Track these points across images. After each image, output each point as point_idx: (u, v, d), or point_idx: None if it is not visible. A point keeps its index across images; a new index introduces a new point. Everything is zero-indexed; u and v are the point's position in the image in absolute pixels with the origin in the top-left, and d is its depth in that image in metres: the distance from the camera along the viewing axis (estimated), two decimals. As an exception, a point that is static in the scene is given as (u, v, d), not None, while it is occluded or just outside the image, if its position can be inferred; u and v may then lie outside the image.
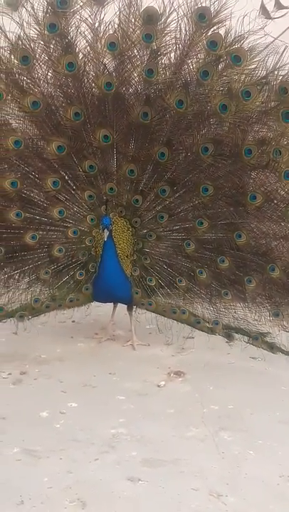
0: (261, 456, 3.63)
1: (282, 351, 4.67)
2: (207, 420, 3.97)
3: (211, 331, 4.78)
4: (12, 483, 3.29)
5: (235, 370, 4.66)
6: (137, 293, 4.84)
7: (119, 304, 5.13)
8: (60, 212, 4.70)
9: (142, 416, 4.01)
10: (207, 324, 4.77)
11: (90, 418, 3.94)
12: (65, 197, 4.74)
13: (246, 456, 3.62)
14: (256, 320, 4.70)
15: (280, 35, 4.43)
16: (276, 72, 4.31)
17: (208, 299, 4.78)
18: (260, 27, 4.27)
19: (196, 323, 4.81)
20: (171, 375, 4.56)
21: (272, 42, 4.32)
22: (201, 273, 4.72)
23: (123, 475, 3.40)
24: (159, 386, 4.42)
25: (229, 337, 4.78)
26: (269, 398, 4.27)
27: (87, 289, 4.82)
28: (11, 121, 4.59)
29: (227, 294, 4.74)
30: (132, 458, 3.57)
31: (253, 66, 4.32)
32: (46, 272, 4.76)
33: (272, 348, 4.68)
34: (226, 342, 4.87)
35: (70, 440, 3.70)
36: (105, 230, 4.54)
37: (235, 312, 4.74)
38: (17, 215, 4.61)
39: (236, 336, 4.75)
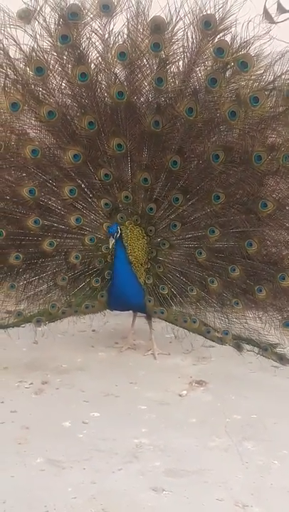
0: (286, 465, 3.60)
1: None
2: (230, 430, 3.95)
3: (221, 341, 4.75)
4: (37, 493, 3.29)
5: (257, 379, 4.64)
6: (149, 301, 4.84)
7: (139, 313, 5.13)
8: (77, 219, 4.75)
9: (164, 426, 4.00)
10: (217, 334, 4.74)
11: (113, 428, 3.94)
12: (81, 205, 4.79)
13: (271, 466, 3.60)
14: (266, 330, 4.65)
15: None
16: (283, 77, 4.29)
17: (220, 308, 4.77)
18: (264, 32, 4.26)
19: (206, 332, 4.79)
20: (193, 384, 4.55)
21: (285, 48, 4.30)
22: (213, 282, 4.71)
23: (147, 485, 3.39)
24: (180, 395, 4.41)
25: (239, 347, 4.71)
26: None
27: (102, 296, 4.84)
28: (28, 130, 4.65)
29: (238, 303, 4.71)
30: (155, 468, 3.56)
31: (260, 71, 4.32)
32: (63, 279, 4.80)
33: (282, 359, 4.61)
34: (248, 351, 4.78)
35: (93, 450, 3.70)
36: (110, 238, 4.57)
37: (246, 322, 4.70)
38: (35, 222, 4.67)
39: (247, 346, 4.70)
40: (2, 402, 4.22)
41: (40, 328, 4.88)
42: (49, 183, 4.72)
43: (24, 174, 4.71)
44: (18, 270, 4.79)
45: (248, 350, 4.73)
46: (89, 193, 4.79)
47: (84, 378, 4.59)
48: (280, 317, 4.64)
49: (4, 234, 4.66)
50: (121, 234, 4.66)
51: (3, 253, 4.71)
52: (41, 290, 4.84)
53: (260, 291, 4.63)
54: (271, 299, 4.64)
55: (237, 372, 4.71)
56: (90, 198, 4.80)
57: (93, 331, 5.36)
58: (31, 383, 4.49)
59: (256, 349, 4.66)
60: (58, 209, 4.76)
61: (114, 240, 4.57)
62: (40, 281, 4.84)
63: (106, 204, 4.81)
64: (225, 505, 3.25)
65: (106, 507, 3.20)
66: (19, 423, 3.96)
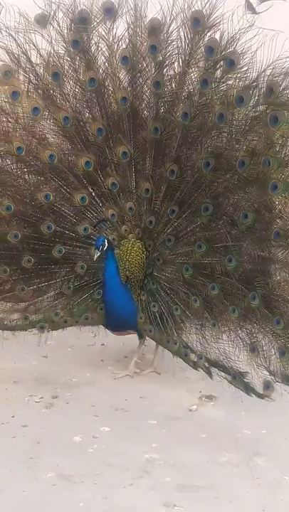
0: (297, 481, 3.61)
1: (255, 393, 4.30)
2: (240, 445, 3.96)
3: (194, 365, 4.59)
4: (48, 508, 3.31)
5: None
6: (141, 318, 4.73)
7: None
8: (84, 229, 4.74)
9: (174, 441, 4.01)
10: (192, 358, 4.58)
11: (123, 443, 3.95)
12: (91, 214, 4.78)
13: (281, 482, 3.61)
14: (237, 356, 4.43)
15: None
16: (264, 72, 4.15)
17: (199, 330, 4.59)
18: (248, 24, 4.17)
19: (184, 355, 4.62)
20: (203, 399, 4.55)
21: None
22: (195, 301, 4.56)
23: (158, 500, 3.40)
24: (190, 410, 4.42)
25: (209, 374, 4.51)
26: None
27: (101, 309, 4.78)
28: (47, 135, 4.71)
29: (215, 325, 4.54)
30: (166, 483, 3.57)
31: (244, 68, 4.23)
32: (69, 287, 4.78)
33: (248, 388, 4.34)
34: (211, 378, 4.56)
35: (104, 465, 3.71)
36: (96, 251, 4.47)
37: (222, 346, 4.48)
38: (48, 227, 4.68)
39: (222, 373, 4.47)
40: (13, 417, 4.24)
41: (50, 342, 4.89)
42: (63, 188, 4.74)
43: (42, 178, 4.74)
44: (30, 274, 4.78)
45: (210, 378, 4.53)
46: (99, 201, 4.79)
47: (94, 392, 4.60)
48: (248, 342, 4.43)
49: (20, 236, 4.67)
50: (111, 247, 4.56)
51: (17, 255, 4.72)
52: (48, 297, 4.83)
53: (234, 311, 4.43)
54: (242, 321, 4.44)
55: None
56: (100, 207, 4.79)
57: (102, 344, 5.37)
58: (41, 397, 4.51)
59: (228, 377, 4.43)
60: (70, 216, 4.76)
61: (99, 253, 4.47)
62: (49, 287, 4.83)
63: (113, 215, 4.78)
64: (236, 521, 3.26)
65: (118, 522, 3.22)
66: (30, 437, 3.98)
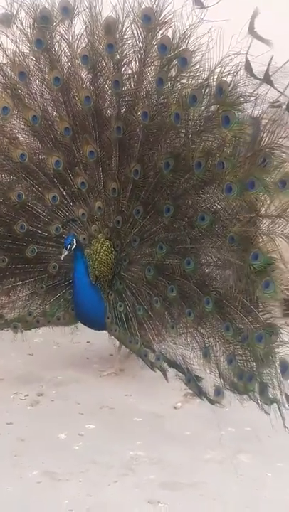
0: (281, 478, 3.64)
1: (207, 398, 4.24)
2: (225, 442, 3.98)
3: (152, 366, 4.56)
4: (33, 505, 3.32)
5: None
6: (108, 318, 4.69)
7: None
8: (56, 229, 4.70)
9: (159, 438, 4.03)
10: (151, 358, 4.55)
11: (108, 440, 3.96)
12: (62, 213, 4.75)
13: (265, 479, 3.63)
14: (193, 359, 4.34)
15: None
16: (217, 71, 4.07)
17: (160, 331, 4.56)
18: (197, 20, 4.12)
19: (143, 355, 4.60)
20: (188, 396, 4.56)
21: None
22: (156, 302, 4.53)
23: (143, 498, 3.42)
24: (175, 408, 4.44)
25: (165, 376, 4.50)
26: (286, 420, 4.25)
27: (72, 310, 4.75)
28: (17, 135, 4.69)
29: (173, 327, 4.50)
30: (150, 481, 3.59)
31: (196, 66, 4.18)
32: (42, 287, 4.76)
33: (200, 392, 4.30)
34: (167, 380, 4.54)
35: (89, 462, 3.72)
36: (63, 250, 4.42)
37: (181, 348, 4.43)
38: (21, 227, 4.64)
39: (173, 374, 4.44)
40: (-2, 414, 4.24)
41: (35, 340, 4.89)
42: (35, 188, 4.70)
43: (14, 178, 4.71)
44: (5, 273, 4.76)
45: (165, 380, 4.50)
46: (70, 201, 4.76)
47: (79, 390, 4.61)
48: (202, 346, 4.35)
49: None
50: (79, 246, 4.52)
51: None
52: (23, 296, 4.81)
53: (190, 314, 4.39)
54: (197, 325, 4.38)
55: (231, 384, 4.73)
56: (71, 206, 4.75)
57: (88, 342, 5.37)
58: (27, 395, 4.51)
59: (184, 379, 4.39)
60: (43, 215, 4.74)
61: (67, 252, 4.42)
62: (24, 287, 4.80)
63: (83, 214, 4.74)
64: (220, 518, 3.28)
65: (102, 519, 3.23)
66: (15, 435, 3.99)
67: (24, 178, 4.69)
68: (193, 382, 4.33)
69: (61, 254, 4.46)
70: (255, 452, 3.88)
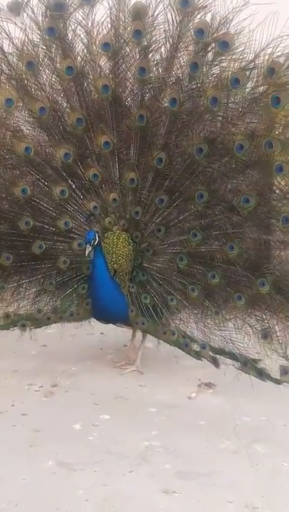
0: (296, 468, 3.63)
1: (271, 378, 4.36)
2: (240, 432, 3.97)
3: (198, 355, 4.56)
4: (48, 495, 3.31)
5: (266, 381, 4.63)
6: (132, 311, 4.64)
7: None
8: (65, 223, 4.62)
9: (174, 428, 4.02)
10: (195, 348, 4.55)
11: (123, 430, 3.96)
12: (72, 207, 4.67)
13: (280, 468, 3.62)
14: (246, 343, 4.43)
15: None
16: (263, 52, 4.08)
17: (201, 318, 4.55)
18: (243, 3, 4.08)
19: (184, 345, 4.58)
20: (202, 386, 4.57)
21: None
22: (193, 290, 4.50)
23: (158, 487, 3.41)
24: (190, 398, 4.44)
25: (215, 363, 4.52)
26: None
27: (87, 304, 4.69)
28: (22, 127, 4.61)
29: (218, 313, 4.50)
30: (165, 470, 3.58)
31: (240, 49, 4.15)
32: (51, 283, 4.70)
33: (262, 374, 4.39)
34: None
35: (104, 453, 3.72)
36: (87, 246, 4.35)
37: (227, 334, 4.47)
38: (26, 223, 4.58)
39: (228, 361, 4.48)
40: (12, 406, 4.26)
41: (49, 331, 4.89)
42: (41, 182, 4.63)
43: (18, 172, 4.63)
44: (10, 272, 4.70)
45: (228, 365, 4.51)
46: (80, 194, 4.67)
47: (93, 381, 4.62)
48: (259, 328, 4.42)
49: None
50: (100, 241, 4.44)
51: None
52: (30, 294, 4.74)
53: (240, 298, 4.39)
54: (250, 308, 4.41)
55: (245, 374, 4.69)
56: (81, 199, 4.67)
57: (101, 333, 5.38)
58: (41, 386, 4.52)
59: (237, 364, 4.45)
60: (50, 210, 4.65)
61: (90, 248, 4.36)
62: (30, 284, 4.74)
63: (95, 207, 4.66)
64: (235, 508, 3.26)
65: (117, 509, 3.22)
66: (30, 426, 4.00)
67: (29, 172, 4.60)
68: (250, 365, 4.38)
69: (85, 251, 4.38)
70: (271, 442, 3.87)
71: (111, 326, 5.15)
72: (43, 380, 4.60)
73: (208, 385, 4.56)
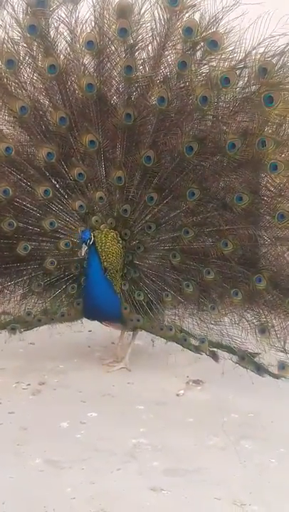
0: (283, 464, 3.63)
1: (269, 373, 4.38)
2: (228, 429, 3.97)
3: (196, 350, 4.56)
4: (36, 493, 3.30)
5: (254, 378, 4.60)
6: (126, 308, 4.61)
7: None
8: (51, 223, 4.56)
9: (162, 425, 4.01)
10: (193, 342, 4.56)
11: (111, 428, 3.95)
12: (57, 207, 4.61)
13: (268, 465, 3.62)
14: (244, 338, 4.44)
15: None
16: (254, 52, 4.07)
17: (197, 314, 4.55)
18: (233, 3, 4.07)
19: (183, 340, 4.58)
20: (190, 383, 4.57)
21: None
22: (188, 286, 4.51)
23: (146, 485, 3.41)
24: (178, 395, 4.43)
25: (214, 356, 4.52)
26: (289, 406, 4.27)
27: (78, 304, 4.65)
28: (1, 127, 4.52)
29: (214, 308, 4.50)
30: (153, 468, 3.58)
31: (230, 49, 4.13)
32: (39, 285, 4.64)
33: (259, 369, 4.40)
34: (217, 361, 4.61)
35: (92, 450, 3.71)
36: (83, 245, 4.33)
37: (224, 329, 4.48)
38: (9, 224, 4.51)
39: (225, 355, 4.49)
40: (0, 404, 4.22)
41: (37, 329, 4.85)
42: (23, 182, 4.56)
43: None
44: None
45: (226, 359, 4.52)
46: (64, 193, 4.61)
47: (81, 378, 4.60)
48: (256, 323, 4.43)
49: None
50: (94, 240, 4.43)
51: None
52: (16, 296, 4.68)
53: (236, 294, 4.41)
54: (247, 303, 4.42)
55: (234, 371, 4.69)
56: (65, 199, 4.61)
57: (89, 331, 5.36)
58: (29, 384, 4.50)
59: (234, 358, 4.46)
60: (34, 210, 4.59)
61: (87, 247, 4.35)
62: (16, 286, 4.68)
63: (81, 206, 4.61)
64: (223, 504, 3.27)
65: (105, 507, 3.21)
66: (17, 424, 3.98)
67: (11, 172, 4.53)
68: (248, 359, 4.39)
69: (81, 251, 4.37)
70: (258, 438, 3.87)
71: (99, 323, 5.16)
72: (31, 378, 4.58)
73: (197, 382, 4.57)
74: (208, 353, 4.55)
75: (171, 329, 4.60)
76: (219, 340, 4.50)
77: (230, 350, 4.47)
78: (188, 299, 4.56)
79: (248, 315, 4.43)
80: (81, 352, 5.03)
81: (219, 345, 4.51)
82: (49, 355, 4.90)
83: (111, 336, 5.26)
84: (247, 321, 4.44)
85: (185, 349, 4.89)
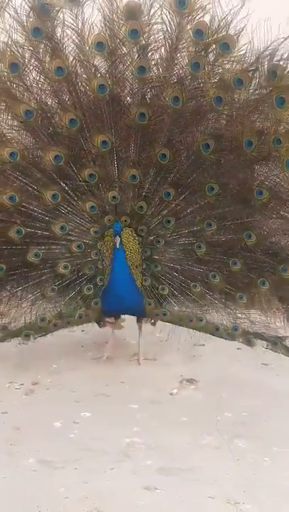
0: (277, 463, 3.62)
1: None
2: (221, 428, 3.96)
3: (231, 337, 4.64)
4: (29, 493, 3.29)
5: (247, 376, 4.65)
6: (150, 304, 4.69)
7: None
8: (62, 228, 4.56)
9: (155, 424, 4.00)
10: (226, 330, 4.62)
11: (104, 427, 3.94)
12: (66, 209, 4.60)
13: (262, 463, 3.62)
14: (272, 323, 4.56)
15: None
16: (264, 54, 4.13)
17: (223, 304, 4.63)
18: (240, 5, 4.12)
19: (214, 329, 4.64)
20: (184, 382, 4.56)
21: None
22: (214, 277, 4.58)
23: (139, 484, 3.40)
24: (171, 394, 4.42)
25: (249, 342, 4.63)
26: (282, 404, 4.27)
27: (96, 304, 4.68)
28: (5, 131, 4.47)
29: (242, 297, 4.58)
30: (147, 467, 3.57)
31: (241, 52, 4.18)
32: (52, 289, 4.63)
33: None
34: (237, 348, 4.84)
35: (85, 450, 3.70)
36: (116, 237, 4.45)
37: (251, 317, 4.58)
38: (17, 232, 4.49)
39: (256, 341, 4.62)
40: (-7, 404, 4.22)
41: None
42: (30, 187, 4.52)
43: (3, 179, 4.48)
44: (1, 281, 4.61)
45: (251, 347, 4.64)
46: (74, 195, 4.59)
47: (74, 378, 4.59)
48: (283, 310, 4.57)
49: None
50: (121, 233, 4.51)
51: None
52: (26, 302, 4.64)
53: (264, 284, 4.51)
54: (274, 291, 4.54)
55: (227, 370, 4.73)
56: (75, 201, 4.60)
57: (82, 331, 5.35)
58: (22, 384, 4.49)
59: (264, 343, 4.58)
60: (42, 214, 4.56)
61: (120, 239, 4.45)
62: (25, 292, 4.65)
63: (92, 207, 4.62)
64: (217, 503, 3.26)
65: (98, 506, 3.20)
66: (10, 424, 3.97)
67: (16, 178, 4.50)
68: (279, 343, 4.51)
69: (116, 243, 4.46)
70: (252, 437, 3.86)
71: (92, 323, 5.14)
72: (24, 377, 4.57)
73: (190, 381, 4.56)
74: (242, 341, 4.64)
75: (201, 320, 4.66)
76: (248, 327, 4.59)
77: (260, 337, 4.58)
78: (214, 289, 4.64)
79: (275, 301, 4.57)
80: (74, 352, 5.02)
81: (250, 333, 4.60)
82: (42, 355, 4.88)
83: (104, 336, 5.24)
84: (274, 306, 4.58)
85: (179, 348, 4.93)
